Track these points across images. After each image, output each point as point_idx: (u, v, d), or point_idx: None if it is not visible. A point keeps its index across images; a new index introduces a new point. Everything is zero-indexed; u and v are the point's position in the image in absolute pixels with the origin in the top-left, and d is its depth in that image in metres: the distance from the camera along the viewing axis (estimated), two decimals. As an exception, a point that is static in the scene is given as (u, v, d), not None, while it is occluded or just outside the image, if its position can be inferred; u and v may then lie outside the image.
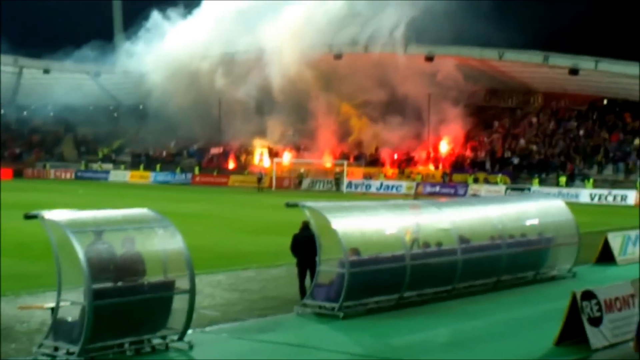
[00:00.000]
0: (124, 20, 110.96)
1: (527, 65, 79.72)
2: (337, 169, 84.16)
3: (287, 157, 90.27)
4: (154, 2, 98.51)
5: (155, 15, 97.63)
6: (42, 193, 64.81)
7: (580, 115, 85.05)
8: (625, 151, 76.75)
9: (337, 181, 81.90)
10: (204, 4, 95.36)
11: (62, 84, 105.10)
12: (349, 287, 19.95)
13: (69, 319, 16.13)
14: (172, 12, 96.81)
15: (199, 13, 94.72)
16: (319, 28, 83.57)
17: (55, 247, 16.29)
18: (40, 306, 18.52)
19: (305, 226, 21.37)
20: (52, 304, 16.55)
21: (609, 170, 75.11)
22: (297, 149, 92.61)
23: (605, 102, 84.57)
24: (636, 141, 77.12)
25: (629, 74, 72.32)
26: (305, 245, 21.13)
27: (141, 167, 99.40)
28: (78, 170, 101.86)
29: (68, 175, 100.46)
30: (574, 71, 73.80)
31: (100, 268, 16.05)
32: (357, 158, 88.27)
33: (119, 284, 16.25)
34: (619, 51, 74.77)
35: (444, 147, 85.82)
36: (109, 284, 16.11)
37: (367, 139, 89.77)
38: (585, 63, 73.58)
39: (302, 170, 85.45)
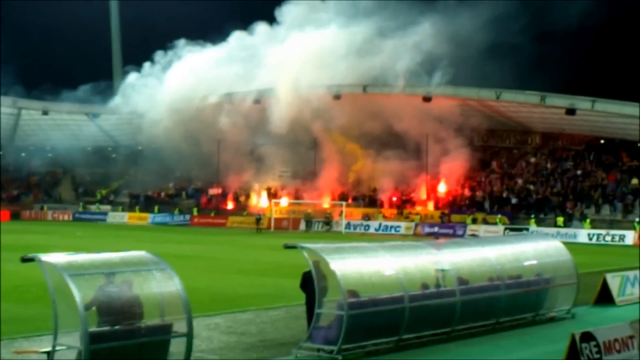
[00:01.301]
0: (123, 61, 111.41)
1: (525, 106, 79.96)
2: (328, 210, 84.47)
3: (285, 199, 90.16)
4: (153, 44, 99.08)
5: (155, 58, 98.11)
6: (39, 235, 64.72)
7: (577, 155, 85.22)
8: (622, 191, 76.81)
9: (327, 220, 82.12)
10: (197, 45, 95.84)
11: (60, 125, 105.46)
12: (348, 330, 19.86)
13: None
14: (171, 54, 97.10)
15: (197, 55, 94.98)
16: (318, 69, 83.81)
17: (52, 290, 16.23)
18: (35, 350, 18.38)
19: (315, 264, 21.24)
20: (48, 348, 16.46)
21: (606, 210, 75.12)
22: (296, 190, 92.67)
23: (602, 142, 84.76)
24: (634, 181, 77.22)
25: (625, 114, 72.54)
26: (313, 285, 21.01)
27: (139, 208, 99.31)
28: (76, 212, 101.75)
29: (66, 217, 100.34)
30: (570, 111, 73.96)
31: (107, 311, 16.02)
32: (356, 198, 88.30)
33: (116, 327, 16.16)
34: (615, 91, 75.10)
35: (442, 187, 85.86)
36: (105, 328, 16.02)
37: (366, 180, 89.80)
38: (582, 103, 73.77)
39: (309, 211, 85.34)
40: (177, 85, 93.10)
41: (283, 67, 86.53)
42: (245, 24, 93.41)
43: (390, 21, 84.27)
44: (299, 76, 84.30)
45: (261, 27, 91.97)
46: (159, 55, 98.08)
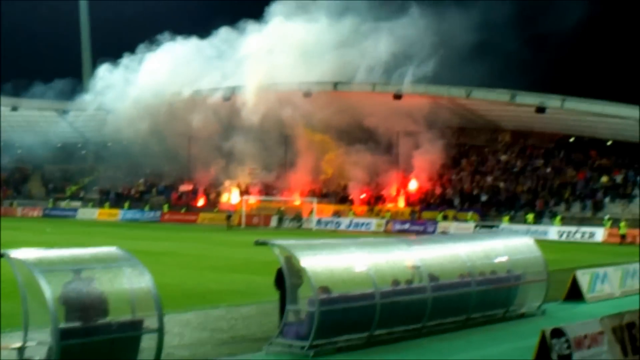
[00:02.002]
0: (93, 58, 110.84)
1: (495, 104, 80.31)
2: (299, 207, 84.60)
3: (256, 195, 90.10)
4: (124, 40, 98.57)
5: (125, 54, 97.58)
6: (9, 231, 64.17)
7: (547, 152, 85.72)
8: (592, 188, 77.34)
9: (297, 217, 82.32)
10: (169, 41, 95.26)
11: (30, 121, 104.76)
12: (319, 326, 19.86)
13: (36, 358, 15.94)
14: (142, 50, 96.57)
15: (167, 51, 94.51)
16: (290, 66, 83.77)
17: (22, 287, 16.13)
18: (6, 346, 18.26)
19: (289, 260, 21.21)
20: (19, 344, 16.35)
21: (576, 208, 75.64)
22: (267, 187, 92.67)
23: (572, 140, 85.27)
24: (603, 178, 77.79)
25: (595, 112, 73.12)
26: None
27: (109, 204, 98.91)
28: (46, 208, 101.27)
29: (36, 213, 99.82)
30: (540, 109, 74.37)
31: (75, 307, 15.91)
32: (327, 195, 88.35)
33: (86, 323, 16.06)
34: (585, 90, 75.59)
35: (413, 185, 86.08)
36: (76, 324, 15.93)
37: (337, 177, 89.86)
38: (552, 101, 74.20)
39: (282, 208, 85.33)
40: (147, 81, 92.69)
41: (254, 64, 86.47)
42: (235, 21, 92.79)
43: (363, 19, 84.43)
44: (269, 73, 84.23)
45: (246, 25, 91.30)
46: (139, 49, 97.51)
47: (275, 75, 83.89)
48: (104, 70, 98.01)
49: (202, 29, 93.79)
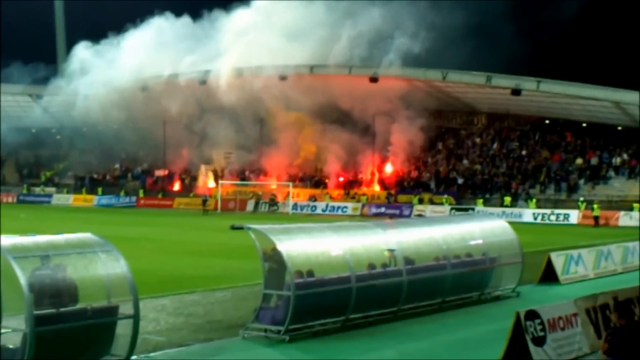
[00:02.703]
0: (67, 41, 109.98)
1: (471, 86, 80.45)
2: (274, 191, 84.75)
3: (232, 180, 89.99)
4: (97, 24, 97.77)
5: (99, 37, 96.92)
6: (-17, 217, 63.87)
7: (522, 135, 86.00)
8: (567, 170, 77.69)
9: (272, 201, 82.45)
10: (145, 25, 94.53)
11: (3, 106, 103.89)
12: (295, 310, 19.90)
13: (11, 345, 15.89)
14: (115, 34, 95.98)
15: (141, 34, 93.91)
16: (266, 49, 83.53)
17: (-4, 273, 16.05)
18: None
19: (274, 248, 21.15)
20: (-7, 331, 16.29)
21: (551, 190, 75.97)
22: (243, 171, 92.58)
23: (547, 122, 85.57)
24: (578, 161, 78.17)
25: (570, 94, 73.41)
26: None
27: (84, 190, 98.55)
28: (20, 194, 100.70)
29: (10, 199, 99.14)
30: (516, 92, 74.54)
31: (44, 294, 15.85)
32: (302, 179, 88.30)
33: (61, 309, 16.02)
34: (560, 72, 75.75)
35: (389, 168, 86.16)
36: (51, 310, 15.88)
37: (313, 160, 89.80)
38: (527, 84, 74.38)
39: (259, 192, 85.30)
40: (122, 64, 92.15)
41: (231, 46, 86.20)
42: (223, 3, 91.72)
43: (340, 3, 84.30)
44: (246, 56, 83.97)
45: (231, 7, 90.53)
46: (102, 36, 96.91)
47: (253, 58, 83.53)
48: (81, 49, 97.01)
49: (191, 10, 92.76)
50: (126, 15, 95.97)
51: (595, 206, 66.62)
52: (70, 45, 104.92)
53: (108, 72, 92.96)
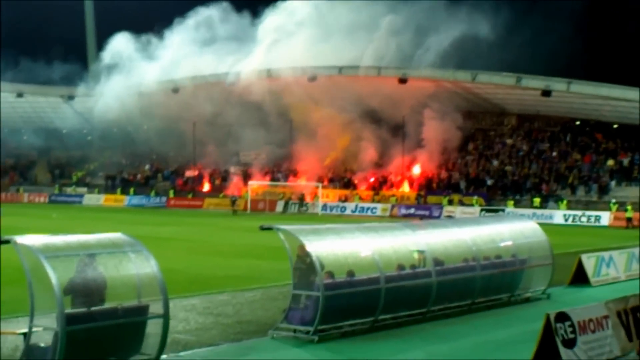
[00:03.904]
0: (98, 43, 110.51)
1: (500, 87, 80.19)
2: (303, 192, 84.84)
3: (261, 180, 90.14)
4: (128, 25, 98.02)
5: (131, 39, 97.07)
6: (15, 217, 64.34)
7: (553, 136, 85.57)
8: (598, 172, 77.20)
9: (301, 202, 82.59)
10: (177, 28, 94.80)
11: (35, 107, 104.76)
12: (324, 311, 19.91)
13: (42, 344, 15.98)
14: (148, 36, 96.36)
15: (174, 37, 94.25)
16: (293, 51, 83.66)
17: (28, 272, 16.17)
18: (12, 332, 18.32)
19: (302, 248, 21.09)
20: (25, 330, 16.41)
21: (582, 192, 75.52)
22: (272, 172, 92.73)
23: (577, 123, 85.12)
24: (609, 162, 77.67)
25: (601, 95, 73.04)
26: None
27: (119, 190, 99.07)
28: (52, 194, 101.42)
29: (42, 199, 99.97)
30: (546, 93, 74.24)
31: (83, 293, 15.99)
32: (332, 180, 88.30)
33: (92, 309, 16.12)
34: (590, 73, 75.41)
35: (419, 169, 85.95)
36: (82, 309, 15.98)
37: (343, 162, 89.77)
38: (558, 85, 74.06)
39: (288, 192, 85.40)
40: (153, 66, 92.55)
41: (260, 48, 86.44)
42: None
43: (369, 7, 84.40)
44: (276, 57, 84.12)
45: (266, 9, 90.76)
46: (133, 38, 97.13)
47: (282, 60, 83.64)
48: (119, 41, 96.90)
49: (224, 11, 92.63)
50: (158, 15, 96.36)
51: (628, 207, 66.10)
52: (101, 45, 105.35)
53: (139, 74, 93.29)
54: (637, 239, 45.74)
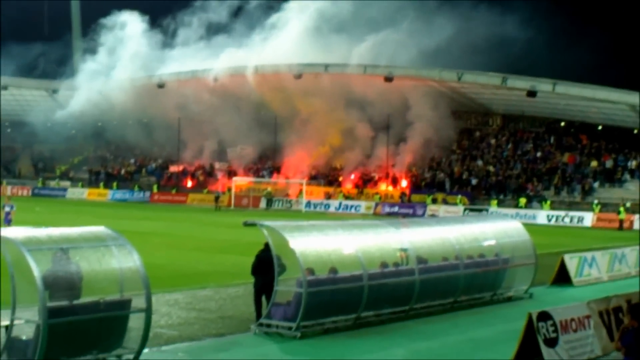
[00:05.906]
0: (83, 36, 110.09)
1: (486, 87, 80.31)
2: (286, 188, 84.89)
3: (245, 177, 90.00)
4: (115, 17, 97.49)
5: (116, 32, 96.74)
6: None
7: (537, 137, 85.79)
8: (582, 173, 77.43)
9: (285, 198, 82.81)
10: (163, 23, 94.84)
11: (19, 100, 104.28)
12: (307, 307, 19.91)
13: (24, 337, 15.93)
14: (132, 29, 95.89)
15: (160, 32, 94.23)
16: (279, 50, 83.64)
17: (10, 265, 16.10)
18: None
19: (267, 247, 21.12)
20: (6, 322, 16.34)
21: (565, 192, 75.72)
22: (257, 169, 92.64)
23: (562, 124, 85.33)
24: (593, 163, 77.89)
25: (585, 97, 73.20)
26: (268, 266, 20.81)
27: (102, 184, 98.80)
28: (35, 187, 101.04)
29: (25, 192, 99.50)
30: (531, 93, 74.37)
31: (60, 286, 15.91)
32: (316, 177, 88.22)
33: (74, 302, 16.07)
34: (575, 74, 75.61)
35: (403, 167, 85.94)
36: (64, 302, 15.92)
37: (326, 159, 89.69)
38: (543, 85, 74.20)
39: (270, 189, 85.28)
40: (137, 60, 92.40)
41: (245, 47, 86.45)
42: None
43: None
44: (260, 55, 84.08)
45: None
46: (119, 31, 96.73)
47: (270, 56, 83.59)
48: (106, 37, 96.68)
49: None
50: (145, 9, 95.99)
51: (621, 209, 65.85)
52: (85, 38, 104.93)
53: (122, 69, 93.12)
54: (621, 241, 45.99)
